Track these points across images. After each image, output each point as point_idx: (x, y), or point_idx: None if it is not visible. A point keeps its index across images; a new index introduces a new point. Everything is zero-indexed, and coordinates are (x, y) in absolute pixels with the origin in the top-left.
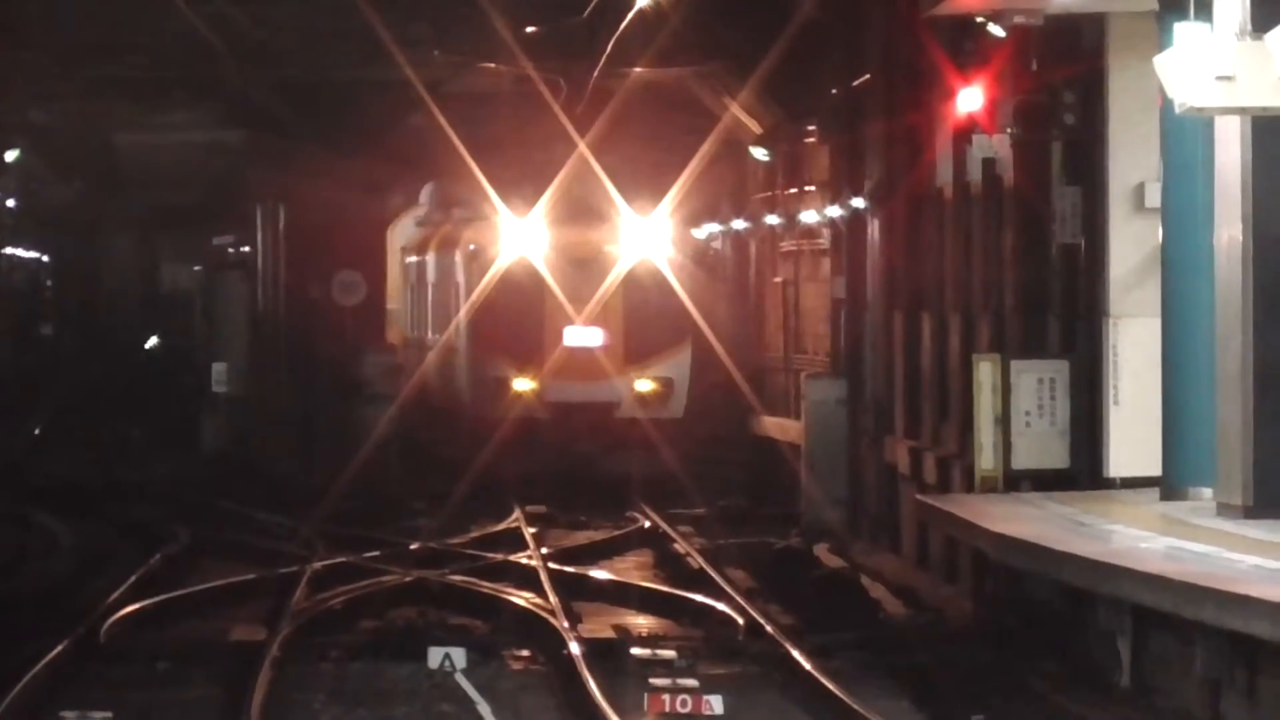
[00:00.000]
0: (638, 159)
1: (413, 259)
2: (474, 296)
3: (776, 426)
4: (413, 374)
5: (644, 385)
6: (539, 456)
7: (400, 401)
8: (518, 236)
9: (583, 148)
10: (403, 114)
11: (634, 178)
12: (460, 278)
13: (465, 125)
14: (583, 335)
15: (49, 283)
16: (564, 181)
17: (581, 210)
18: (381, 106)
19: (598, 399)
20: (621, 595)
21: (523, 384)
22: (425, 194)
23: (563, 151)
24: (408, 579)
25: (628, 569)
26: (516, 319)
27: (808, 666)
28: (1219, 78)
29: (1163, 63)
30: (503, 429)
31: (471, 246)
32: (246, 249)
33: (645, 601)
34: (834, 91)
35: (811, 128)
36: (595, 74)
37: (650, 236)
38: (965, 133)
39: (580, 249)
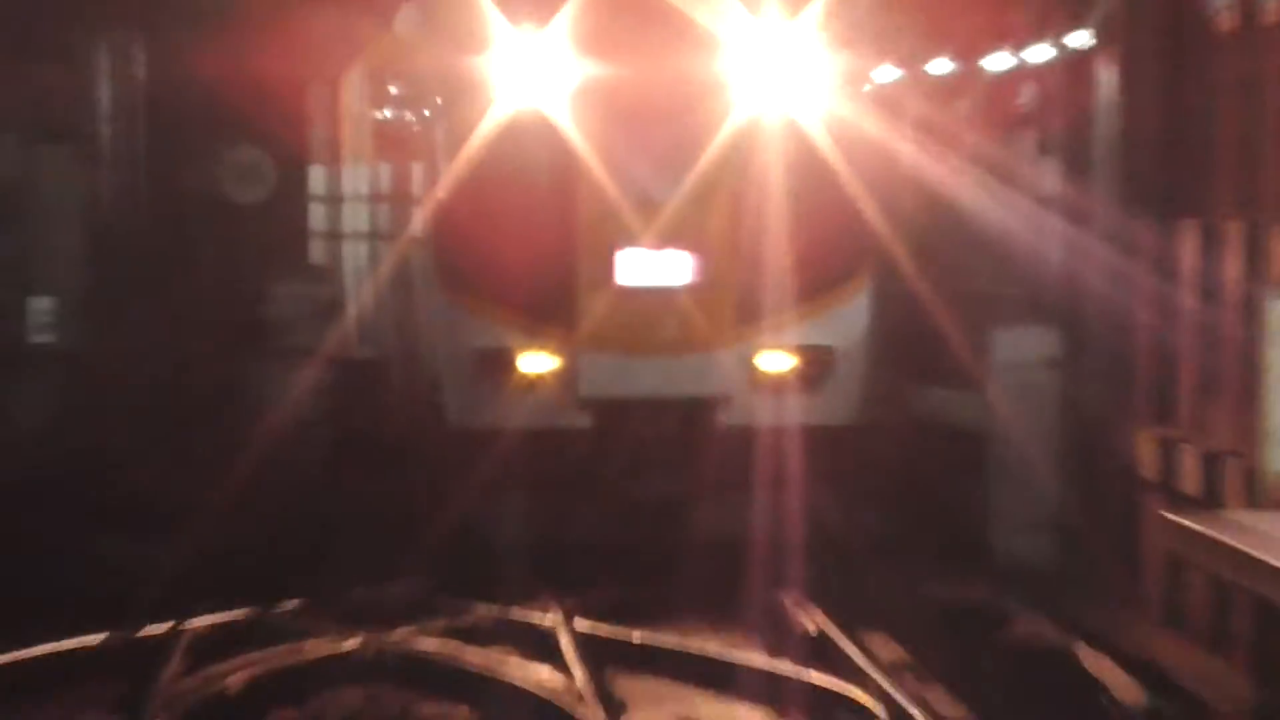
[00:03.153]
0: None
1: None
2: (440, 193)
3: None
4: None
5: (775, 362)
6: (568, 507)
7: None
8: (522, 75)
9: None
10: None
11: None
12: (416, 160)
13: None
14: (652, 266)
15: None
16: None
17: (646, 22)
18: None
19: (683, 390)
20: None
21: (536, 362)
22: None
23: None
24: (345, 646)
25: None
26: (521, 237)
27: None
28: None
29: None
30: (498, 451)
31: (437, 99)
32: (84, 110)
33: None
34: None
35: None
36: None
37: (785, 71)
38: None
39: (646, 99)
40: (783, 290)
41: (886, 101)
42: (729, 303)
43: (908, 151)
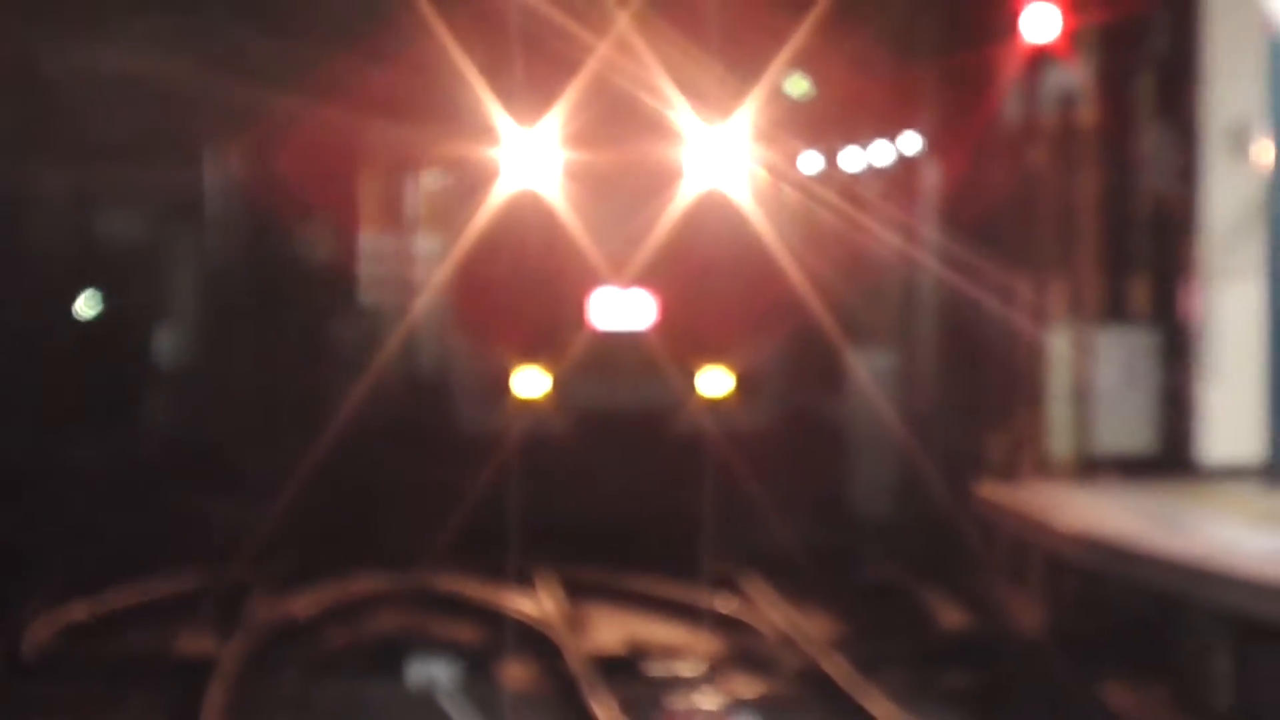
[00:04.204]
0: (705, 40)
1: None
2: (455, 253)
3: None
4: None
5: (715, 384)
6: (553, 494)
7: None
8: (520, 160)
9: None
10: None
11: (702, 68)
12: (435, 227)
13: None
14: (620, 308)
15: None
16: (593, 74)
17: (618, 118)
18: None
19: (643, 405)
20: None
21: (532, 382)
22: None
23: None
24: (384, 584)
25: None
26: (518, 286)
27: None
28: None
29: None
30: (501, 451)
31: (450, 178)
32: (199, 196)
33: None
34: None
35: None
36: None
37: (724, 157)
38: (1039, 63)
39: (615, 178)
40: (720, 330)
41: (793, 183)
42: (678, 338)
43: (805, 219)
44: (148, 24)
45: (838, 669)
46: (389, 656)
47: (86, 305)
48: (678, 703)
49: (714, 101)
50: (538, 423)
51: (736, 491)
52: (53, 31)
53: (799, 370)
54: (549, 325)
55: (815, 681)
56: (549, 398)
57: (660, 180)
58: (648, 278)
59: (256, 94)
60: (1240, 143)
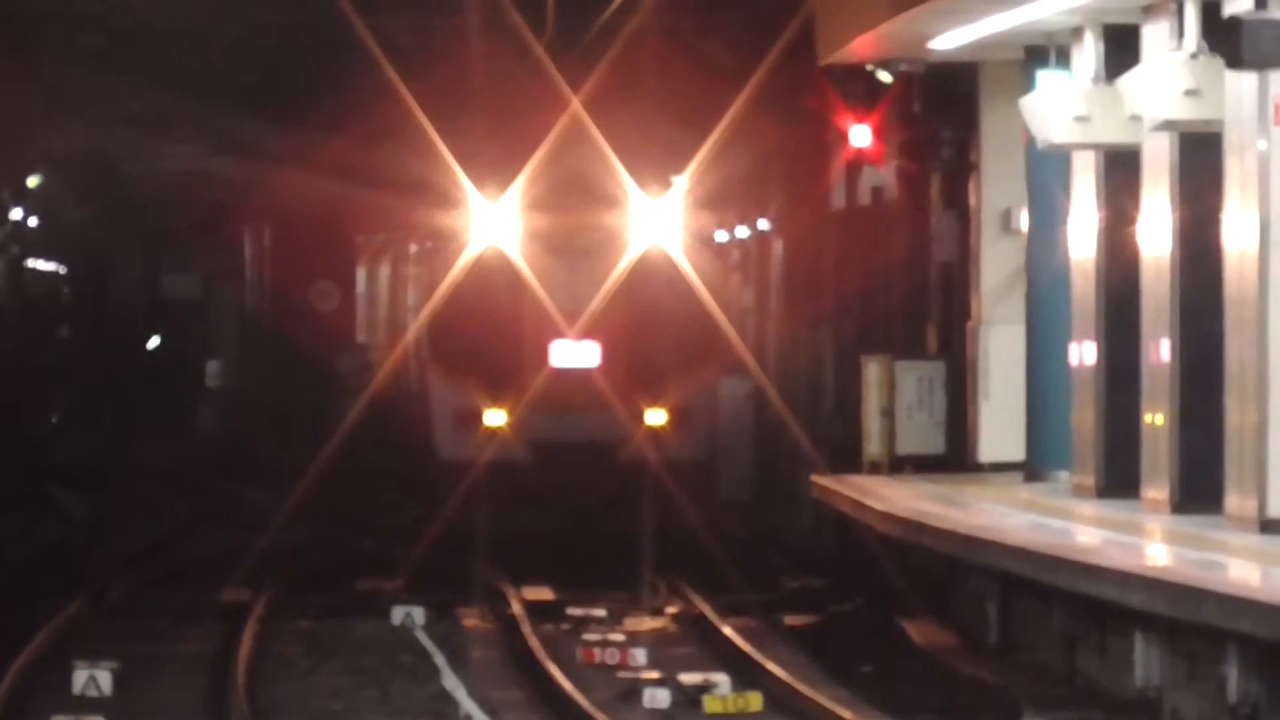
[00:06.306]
0: (648, 121)
1: (377, 263)
2: (431, 303)
3: None
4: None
5: (656, 418)
6: (516, 512)
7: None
8: (487, 223)
9: (575, 106)
10: (367, 101)
11: (643, 147)
12: (413, 280)
13: (423, 88)
14: (573, 353)
15: (66, 291)
16: (550, 151)
17: (572, 189)
18: (348, 98)
19: (594, 437)
20: None
21: (495, 417)
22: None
23: (548, 113)
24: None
25: None
26: (486, 332)
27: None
28: (1076, 118)
29: (1028, 104)
30: (471, 475)
31: (427, 240)
32: (237, 262)
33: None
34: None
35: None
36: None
37: (662, 222)
38: (857, 164)
39: (569, 239)
40: (660, 370)
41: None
42: (624, 378)
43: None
44: (200, 134)
45: (708, 611)
46: (377, 603)
47: (155, 343)
48: (592, 635)
49: (656, 175)
50: (502, 450)
51: (655, 494)
52: (130, 141)
53: (719, 400)
54: (512, 368)
55: (691, 620)
56: (511, 429)
57: (608, 242)
58: (597, 330)
59: (281, 183)
60: (1006, 223)
